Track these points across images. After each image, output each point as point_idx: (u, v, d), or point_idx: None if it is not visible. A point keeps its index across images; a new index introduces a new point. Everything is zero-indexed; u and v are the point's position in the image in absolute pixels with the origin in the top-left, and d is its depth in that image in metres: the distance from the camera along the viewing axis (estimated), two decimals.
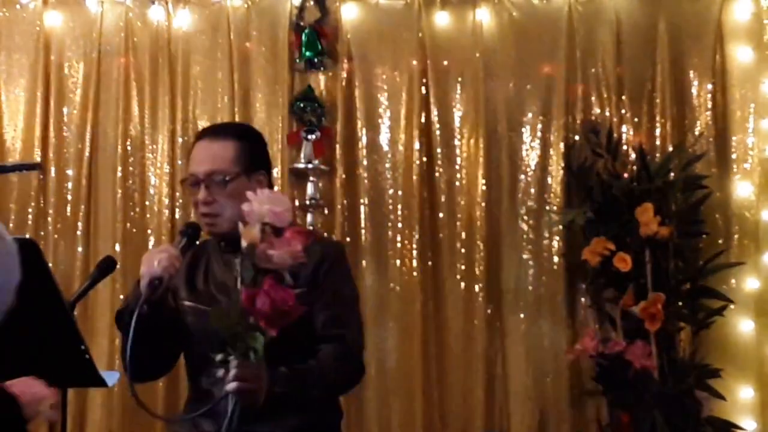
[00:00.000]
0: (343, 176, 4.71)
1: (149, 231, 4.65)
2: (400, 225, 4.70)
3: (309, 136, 4.68)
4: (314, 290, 2.70)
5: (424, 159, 4.72)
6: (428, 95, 4.74)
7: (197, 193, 2.77)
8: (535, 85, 4.74)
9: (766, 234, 4.63)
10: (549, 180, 4.70)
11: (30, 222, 4.63)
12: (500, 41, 4.76)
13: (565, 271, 4.65)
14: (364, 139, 4.74)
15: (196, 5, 4.77)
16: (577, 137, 4.70)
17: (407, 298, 4.66)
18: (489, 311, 4.66)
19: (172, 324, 2.75)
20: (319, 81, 4.77)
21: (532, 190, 4.71)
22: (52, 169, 4.69)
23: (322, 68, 4.74)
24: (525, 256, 4.69)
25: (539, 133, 4.72)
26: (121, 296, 4.44)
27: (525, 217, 4.71)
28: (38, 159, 4.63)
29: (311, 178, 4.70)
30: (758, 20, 4.71)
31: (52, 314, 2.48)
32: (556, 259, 4.67)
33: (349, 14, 4.77)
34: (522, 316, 4.66)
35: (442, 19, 4.78)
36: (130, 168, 4.71)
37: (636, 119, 4.72)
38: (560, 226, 4.64)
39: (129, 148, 4.71)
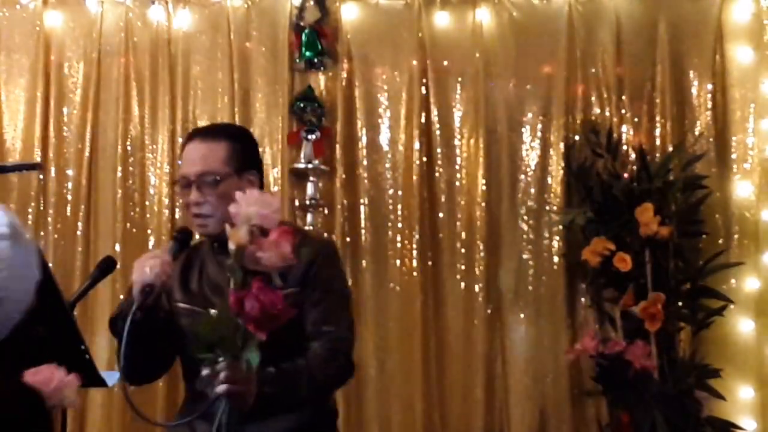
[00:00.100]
0: (343, 176, 4.71)
1: (149, 231, 4.65)
2: (400, 225, 4.70)
3: (309, 136, 4.68)
4: (305, 288, 2.71)
5: (424, 159, 4.73)
6: (428, 95, 4.74)
7: (189, 195, 2.78)
8: (535, 85, 4.74)
9: (766, 234, 4.63)
10: (549, 180, 4.70)
11: (30, 222, 4.63)
12: (500, 41, 4.76)
13: (565, 271, 4.66)
14: (364, 139, 4.74)
15: (196, 5, 4.77)
16: (577, 137, 4.70)
17: (407, 298, 4.66)
18: (489, 311, 4.67)
19: (166, 327, 2.75)
20: (319, 81, 4.77)
21: (532, 190, 4.71)
22: (52, 169, 4.69)
23: (322, 68, 4.74)
24: (525, 256, 4.69)
25: (539, 133, 4.73)
26: (121, 296, 4.44)
27: (525, 217, 4.71)
28: (38, 159, 4.63)
29: (311, 178, 4.70)
30: (758, 20, 4.71)
31: (52, 314, 2.48)
32: (556, 259, 4.67)
33: (349, 14, 4.77)
34: (522, 316, 4.67)
35: (442, 19, 4.78)
36: (130, 168, 4.71)
37: (636, 119, 4.72)
38: (560, 226, 4.64)
39: (129, 148, 4.71)
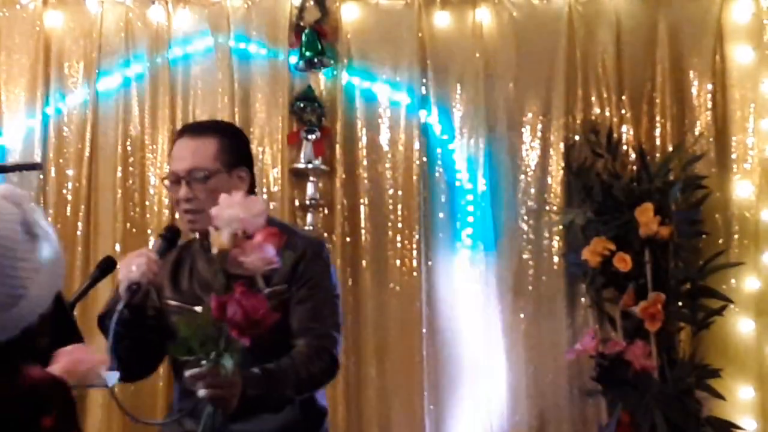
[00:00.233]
0: (343, 176, 4.71)
1: (149, 231, 4.65)
2: (400, 225, 4.70)
3: (309, 136, 4.68)
4: (292, 286, 2.71)
5: (424, 159, 4.73)
6: (428, 95, 4.74)
7: (178, 191, 2.77)
8: (535, 85, 4.74)
9: (766, 234, 4.63)
10: (549, 180, 4.70)
11: None
12: (500, 41, 4.76)
13: (565, 271, 4.65)
14: (364, 139, 4.74)
15: (196, 5, 4.77)
16: (577, 137, 4.70)
17: (407, 298, 4.66)
18: (489, 311, 4.66)
19: (155, 325, 2.75)
20: (319, 81, 4.77)
21: (532, 190, 4.71)
22: (52, 169, 4.69)
23: (322, 68, 4.74)
24: (525, 256, 4.69)
25: (539, 133, 4.73)
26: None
27: (525, 217, 4.70)
28: (38, 159, 4.63)
29: (311, 178, 4.70)
30: (758, 20, 4.71)
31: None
32: (556, 259, 4.67)
33: (349, 14, 4.77)
34: (522, 316, 4.66)
35: (442, 19, 4.78)
36: (130, 168, 4.71)
37: (636, 119, 4.72)
38: (560, 226, 4.64)
39: (129, 148, 4.71)
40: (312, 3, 4.73)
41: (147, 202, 4.68)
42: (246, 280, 2.24)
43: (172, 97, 4.71)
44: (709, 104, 4.69)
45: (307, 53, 4.70)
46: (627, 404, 4.38)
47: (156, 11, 4.76)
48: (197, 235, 2.83)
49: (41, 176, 4.66)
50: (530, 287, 4.68)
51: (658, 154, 4.67)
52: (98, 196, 4.71)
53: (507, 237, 4.70)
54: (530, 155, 4.73)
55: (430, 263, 4.70)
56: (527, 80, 4.75)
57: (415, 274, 4.66)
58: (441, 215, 4.73)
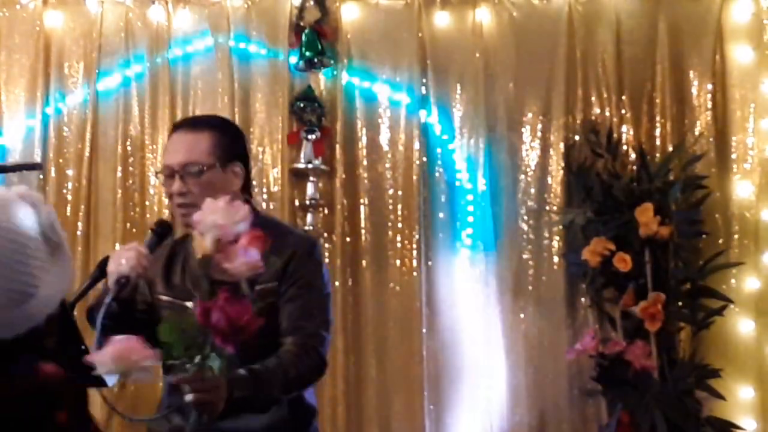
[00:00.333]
0: (343, 176, 4.71)
1: (149, 231, 4.64)
2: (400, 225, 4.70)
3: (309, 136, 4.68)
4: (282, 284, 2.71)
5: (424, 159, 4.73)
6: (428, 95, 4.74)
7: (172, 185, 2.77)
8: (535, 85, 4.74)
9: (766, 234, 4.64)
10: (549, 180, 4.70)
11: None
12: (500, 41, 4.76)
13: (565, 271, 4.65)
14: (364, 139, 4.74)
15: (196, 5, 4.77)
16: (577, 137, 4.70)
17: (407, 298, 4.66)
18: (489, 311, 4.66)
19: (147, 318, 2.74)
20: (319, 81, 4.77)
21: (532, 190, 4.71)
22: (52, 169, 4.69)
23: (322, 68, 4.74)
24: (525, 256, 4.69)
25: (539, 133, 4.73)
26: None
27: (525, 217, 4.70)
28: (38, 159, 4.63)
29: (311, 178, 4.70)
30: (758, 20, 4.71)
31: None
32: (556, 259, 4.67)
33: (349, 14, 4.77)
34: (522, 316, 4.66)
35: (442, 19, 4.78)
36: (130, 168, 4.71)
37: (636, 119, 4.72)
38: (560, 226, 4.64)
39: (129, 148, 4.71)
40: (312, 3, 4.73)
41: (147, 202, 4.69)
42: (230, 285, 2.24)
43: (172, 97, 4.71)
44: (709, 104, 4.69)
45: (307, 53, 4.70)
46: (627, 404, 4.38)
47: (156, 11, 4.76)
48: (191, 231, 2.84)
49: (41, 176, 4.66)
50: (530, 287, 4.68)
51: (658, 154, 4.67)
52: (98, 196, 4.71)
53: (507, 237, 4.70)
54: (530, 155, 4.73)
55: (430, 263, 4.70)
56: (527, 80, 4.75)
57: (415, 274, 4.66)
58: (441, 215, 4.73)
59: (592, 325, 4.58)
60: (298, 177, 4.73)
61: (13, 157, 4.67)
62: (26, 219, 1.81)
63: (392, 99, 4.74)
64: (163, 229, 2.83)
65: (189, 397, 2.29)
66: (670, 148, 4.65)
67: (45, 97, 4.71)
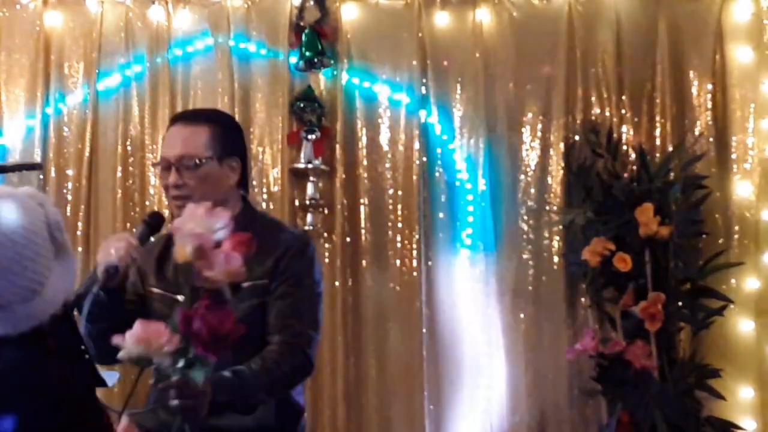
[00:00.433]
0: (343, 176, 4.71)
1: None
2: (400, 225, 4.70)
3: (309, 136, 4.68)
4: (273, 281, 2.70)
5: (424, 159, 4.73)
6: (428, 95, 4.74)
7: (168, 177, 2.77)
8: (535, 85, 4.74)
9: (766, 234, 4.63)
10: (549, 180, 4.70)
11: None
12: (500, 41, 4.76)
13: (565, 271, 4.65)
14: (364, 139, 4.74)
15: (196, 5, 4.77)
16: (577, 137, 4.70)
17: (407, 298, 4.66)
18: (489, 311, 4.66)
19: (136, 310, 2.73)
20: (319, 81, 4.77)
21: (532, 190, 4.71)
22: (52, 169, 4.69)
23: (322, 68, 4.74)
24: (525, 256, 4.69)
25: (539, 133, 4.73)
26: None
27: (525, 217, 4.70)
28: (38, 159, 4.63)
29: (311, 178, 4.69)
30: (758, 20, 4.71)
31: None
32: (556, 259, 4.67)
33: (349, 14, 4.77)
34: (522, 316, 4.66)
35: (442, 19, 4.78)
36: (130, 168, 4.71)
37: (636, 119, 4.72)
38: (560, 226, 4.64)
39: (129, 148, 4.71)
40: (312, 3, 4.73)
41: (147, 202, 4.69)
42: (212, 291, 2.22)
43: (172, 97, 4.71)
44: (709, 104, 4.69)
45: (307, 53, 4.70)
46: (627, 404, 4.38)
47: (156, 11, 4.76)
48: None
49: (41, 176, 4.66)
50: (530, 287, 4.68)
51: (658, 154, 4.67)
52: (98, 196, 4.71)
53: (507, 237, 4.70)
54: (530, 155, 4.73)
55: (430, 263, 4.70)
56: (527, 80, 4.75)
57: (415, 274, 4.66)
58: (441, 215, 4.73)
59: (592, 325, 4.58)
60: (298, 177, 4.73)
61: (13, 157, 4.67)
62: (35, 218, 1.83)
63: (392, 99, 4.74)
64: (155, 221, 2.83)
65: (174, 403, 2.27)
66: (670, 148, 4.64)
67: (45, 97, 4.71)
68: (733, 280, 4.59)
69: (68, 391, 1.87)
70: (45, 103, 4.71)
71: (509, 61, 4.75)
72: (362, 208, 4.72)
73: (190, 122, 2.83)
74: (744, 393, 4.57)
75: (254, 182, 4.66)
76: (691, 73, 4.72)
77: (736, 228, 4.65)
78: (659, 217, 4.39)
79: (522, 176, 4.72)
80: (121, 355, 2.18)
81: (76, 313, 2.64)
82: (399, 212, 4.70)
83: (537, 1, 4.77)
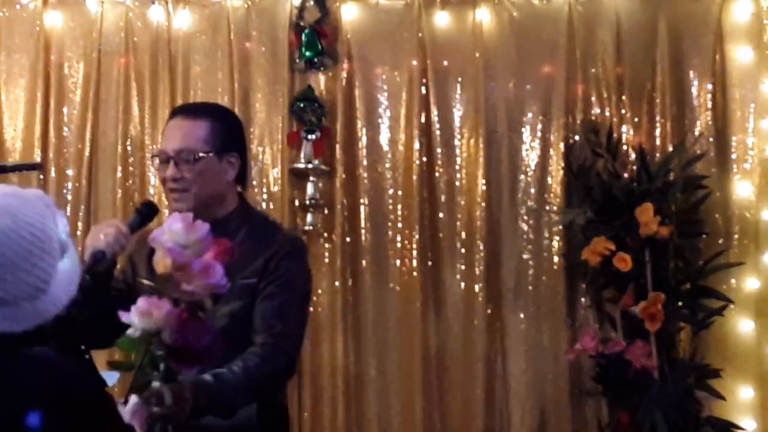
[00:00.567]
0: (343, 176, 4.71)
1: None
2: (400, 225, 4.70)
3: (309, 136, 4.68)
4: (262, 281, 2.69)
5: (424, 159, 4.72)
6: (428, 95, 4.74)
7: (166, 170, 2.77)
8: (535, 85, 4.74)
9: (766, 234, 4.63)
10: (549, 180, 4.70)
11: None
12: (500, 41, 4.76)
13: (565, 271, 4.65)
14: (364, 139, 4.74)
15: (196, 5, 4.77)
16: (577, 137, 4.70)
17: (407, 298, 4.66)
18: (489, 311, 4.67)
19: (123, 298, 2.71)
20: (319, 81, 4.77)
21: (532, 190, 4.71)
22: (52, 169, 4.69)
23: (322, 68, 4.74)
24: (525, 256, 4.69)
25: (539, 133, 4.72)
26: None
27: (525, 217, 4.70)
28: (38, 159, 4.63)
29: (311, 178, 4.69)
30: (758, 20, 4.70)
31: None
32: (556, 259, 4.67)
33: (349, 14, 4.77)
34: (522, 316, 4.66)
35: (442, 19, 4.78)
36: (130, 168, 4.71)
37: (636, 119, 4.72)
38: (560, 226, 4.64)
39: (129, 148, 4.71)
40: (312, 3, 4.73)
41: None
42: (191, 303, 2.21)
43: (173, 97, 4.71)
44: (709, 104, 4.69)
45: (307, 53, 4.70)
46: (627, 404, 4.38)
47: (156, 11, 4.76)
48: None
49: (41, 176, 4.66)
50: (530, 287, 4.68)
51: (658, 154, 4.67)
52: (98, 196, 4.71)
53: (507, 237, 4.70)
54: (530, 155, 4.73)
55: (430, 263, 4.70)
56: (527, 80, 4.75)
57: (415, 274, 4.66)
58: (441, 215, 4.73)
59: (592, 325, 4.58)
60: (298, 177, 4.73)
61: (13, 157, 4.67)
62: (43, 216, 1.86)
63: (392, 99, 4.74)
64: (148, 210, 2.82)
65: (155, 409, 2.27)
66: (670, 148, 4.64)
67: (45, 97, 4.71)
68: (733, 280, 4.59)
69: (90, 387, 1.87)
70: (45, 103, 4.70)
71: (509, 61, 4.75)
72: (362, 208, 4.72)
73: (191, 116, 2.83)
74: (744, 393, 4.57)
75: (254, 182, 4.66)
76: (691, 73, 4.72)
77: (736, 228, 4.65)
78: (659, 217, 4.39)
79: (522, 176, 4.72)
80: (130, 331, 2.18)
81: None
82: (399, 212, 4.70)
83: (537, 1, 4.77)
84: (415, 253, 4.66)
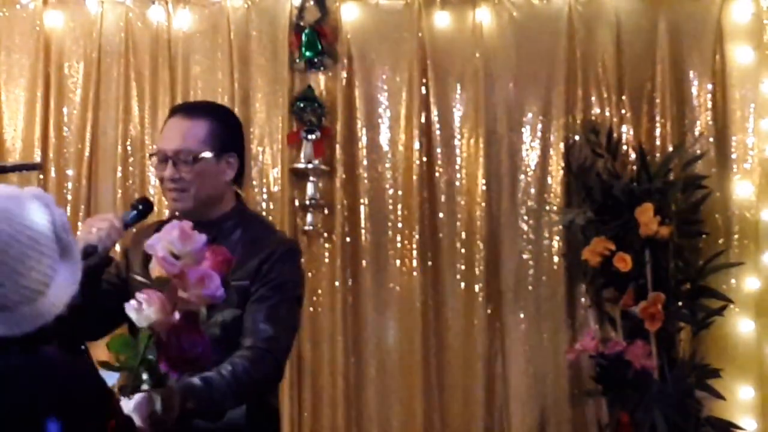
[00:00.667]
0: (343, 176, 4.71)
1: None
2: (400, 225, 4.70)
3: (309, 136, 4.68)
4: (254, 284, 2.68)
5: (424, 159, 4.72)
6: (428, 95, 4.74)
7: (164, 169, 2.76)
8: (535, 85, 4.74)
9: (766, 234, 4.63)
10: (549, 180, 4.70)
11: None
12: (500, 41, 4.76)
13: (565, 271, 4.65)
14: (364, 139, 4.74)
15: (196, 5, 4.77)
16: (577, 137, 4.70)
17: (407, 298, 4.66)
18: (489, 311, 4.67)
19: (114, 292, 2.72)
20: (319, 81, 4.77)
21: (532, 190, 4.71)
22: (52, 169, 4.69)
23: (322, 68, 4.74)
24: (525, 256, 4.69)
25: (539, 133, 4.72)
26: None
27: (525, 217, 4.70)
28: (38, 159, 4.63)
29: (311, 178, 4.69)
30: (758, 20, 4.71)
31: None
32: (556, 259, 4.67)
33: (349, 14, 4.77)
34: (522, 316, 4.66)
35: (442, 19, 4.78)
36: (130, 168, 4.71)
37: (636, 119, 4.72)
38: (560, 226, 4.64)
39: (129, 148, 4.71)
40: (312, 3, 4.73)
41: None
42: (186, 311, 2.21)
43: (173, 97, 4.71)
44: (709, 104, 4.69)
45: (307, 53, 4.70)
46: (627, 404, 4.38)
47: (156, 11, 4.76)
48: (177, 214, 2.81)
49: (41, 176, 4.66)
50: (530, 287, 4.68)
51: (658, 154, 4.67)
52: (98, 196, 4.71)
53: (507, 237, 4.70)
54: (530, 155, 4.73)
55: (430, 263, 4.70)
56: (527, 80, 4.75)
57: (415, 274, 4.66)
58: (441, 215, 4.73)
59: (592, 325, 4.58)
60: (298, 177, 4.73)
61: (13, 157, 4.67)
62: (40, 218, 1.86)
63: (392, 99, 4.74)
64: (143, 206, 2.82)
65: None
66: (670, 148, 4.64)
67: (45, 97, 4.71)
68: (733, 280, 4.59)
69: (91, 387, 1.88)
70: (45, 104, 4.70)
71: (509, 61, 4.75)
72: (362, 208, 4.72)
73: (190, 115, 2.82)
74: (744, 393, 4.57)
75: (254, 182, 4.67)
76: (691, 73, 4.72)
77: (736, 228, 4.65)
78: (659, 217, 4.39)
79: (522, 176, 4.72)
80: (138, 320, 2.18)
81: None
82: (399, 212, 4.70)
83: (537, 1, 4.77)
84: (415, 253, 4.66)
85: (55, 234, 1.85)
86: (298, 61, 4.73)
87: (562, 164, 4.68)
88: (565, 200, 4.66)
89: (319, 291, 4.65)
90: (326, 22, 4.74)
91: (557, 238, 4.67)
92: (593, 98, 4.73)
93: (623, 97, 4.72)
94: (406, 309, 4.65)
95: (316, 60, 4.71)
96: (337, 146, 4.72)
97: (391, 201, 4.72)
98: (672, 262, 4.45)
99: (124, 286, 2.77)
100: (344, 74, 4.74)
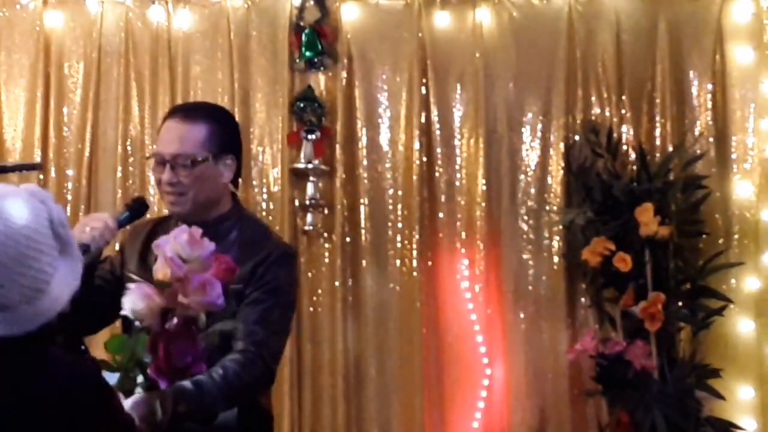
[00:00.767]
0: (343, 176, 4.71)
1: None
2: (400, 225, 4.70)
3: (309, 136, 4.68)
4: (248, 286, 2.67)
5: (424, 159, 4.72)
6: (428, 95, 4.74)
7: (162, 172, 2.75)
8: (535, 85, 4.74)
9: (766, 234, 4.63)
10: (549, 180, 4.70)
11: None
12: (500, 41, 4.76)
13: (565, 271, 4.65)
14: (364, 139, 4.74)
15: (196, 5, 4.77)
16: (577, 137, 4.70)
17: (407, 298, 4.66)
18: (489, 311, 4.67)
19: (109, 289, 2.72)
20: (319, 81, 4.77)
21: (532, 190, 4.71)
22: (52, 169, 4.69)
23: (322, 68, 4.74)
24: (525, 256, 4.69)
25: (539, 133, 4.72)
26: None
27: (525, 217, 4.70)
28: (38, 159, 4.63)
29: (311, 178, 4.69)
30: (758, 20, 4.71)
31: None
32: (556, 259, 4.67)
33: (349, 14, 4.77)
34: (522, 316, 4.66)
35: (442, 19, 4.78)
36: (130, 168, 4.71)
37: (636, 119, 4.72)
38: (560, 226, 4.64)
39: (129, 148, 4.71)
40: (312, 3, 4.73)
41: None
42: (185, 317, 2.20)
43: (173, 97, 4.71)
44: (709, 104, 4.69)
45: (307, 53, 4.70)
46: (627, 404, 4.38)
47: (156, 11, 4.76)
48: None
49: (41, 176, 4.66)
50: (530, 287, 4.68)
51: (658, 154, 4.67)
52: (98, 196, 4.71)
53: (507, 237, 4.70)
54: (530, 155, 4.73)
55: (430, 263, 4.70)
56: (527, 80, 4.75)
57: (415, 274, 4.66)
58: (441, 215, 4.73)
59: (592, 325, 4.58)
60: (298, 177, 4.73)
61: (13, 157, 4.67)
62: (37, 215, 1.85)
63: (392, 99, 4.74)
64: (138, 206, 2.81)
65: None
66: (670, 148, 4.64)
67: (45, 97, 4.71)
68: (733, 280, 4.59)
69: (91, 386, 1.88)
70: (45, 104, 4.70)
71: (509, 61, 4.75)
72: (362, 208, 4.72)
73: (188, 118, 2.80)
74: (744, 393, 4.57)
75: (254, 182, 4.67)
76: (691, 73, 4.72)
77: (736, 228, 4.65)
78: (659, 217, 4.39)
79: (522, 176, 4.72)
80: (127, 309, 2.17)
81: None
82: (399, 212, 4.70)
83: (537, 1, 4.77)
84: (415, 253, 4.66)
85: (53, 231, 1.84)
86: (298, 61, 4.73)
87: (562, 164, 4.68)
88: (565, 200, 4.66)
89: (319, 291, 4.65)
90: (326, 22, 4.74)
91: (557, 238, 4.67)
92: (593, 98, 4.73)
93: (623, 97, 4.72)
94: (406, 309, 4.65)
95: (316, 60, 4.71)
96: (337, 146, 4.72)
97: (391, 201, 4.72)
98: (672, 262, 4.45)
99: (118, 282, 2.76)
100: (344, 74, 4.74)
